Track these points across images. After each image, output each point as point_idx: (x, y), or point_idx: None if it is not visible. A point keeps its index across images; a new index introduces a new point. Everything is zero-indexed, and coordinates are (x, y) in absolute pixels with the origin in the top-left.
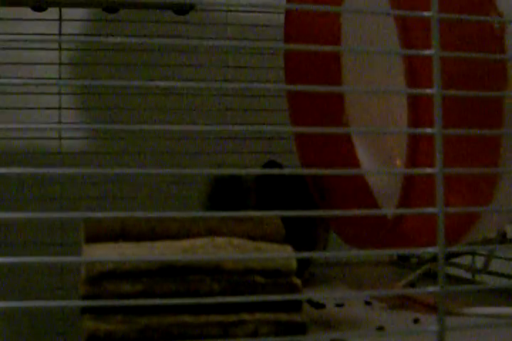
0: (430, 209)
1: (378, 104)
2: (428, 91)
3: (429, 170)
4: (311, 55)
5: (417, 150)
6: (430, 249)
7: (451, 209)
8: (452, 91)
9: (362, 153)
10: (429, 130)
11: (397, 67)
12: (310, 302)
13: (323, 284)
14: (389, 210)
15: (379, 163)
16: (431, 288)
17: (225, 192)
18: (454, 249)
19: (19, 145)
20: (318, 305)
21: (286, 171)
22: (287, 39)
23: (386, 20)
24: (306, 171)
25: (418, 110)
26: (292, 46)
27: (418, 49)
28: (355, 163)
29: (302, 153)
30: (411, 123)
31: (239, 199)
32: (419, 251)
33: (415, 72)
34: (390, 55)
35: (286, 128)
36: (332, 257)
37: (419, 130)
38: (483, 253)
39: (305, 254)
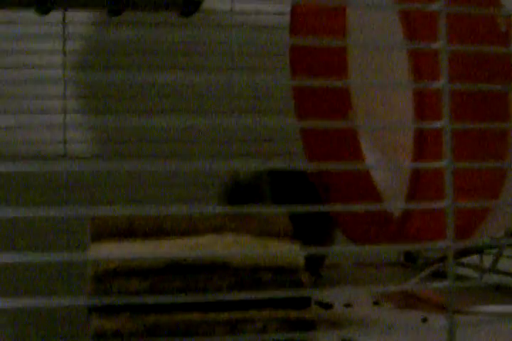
0: (440, 204)
1: (384, 104)
2: (436, 84)
3: (438, 164)
4: (317, 51)
5: (424, 147)
6: (440, 243)
7: (460, 204)
8: (460, 85)
9: (368, 154)
10: (437, 124)
11: (403, 64)
12: (318, 302)
13: (330, 285)
14: (398, 205)
15: (386, 163)
16: (440, 284)
17: (241, 196)
18: (464, 243)
19: (24, 150)
20: (327, 306)
21: (297, 165)
22: (293, 36)
23: (392, 16)
24: (318, 166)
25: (424, 106)
26: (298, 40)
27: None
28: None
29: (308, 153)
30: (417, 118)
31: (255, 201)
32: (429, 245)
33: (421, 68)
34: (397, 50)
35: (293, 123)
36: (339, 258)
37: (428, 124)
38: (491, 252)
39: (312, 250)
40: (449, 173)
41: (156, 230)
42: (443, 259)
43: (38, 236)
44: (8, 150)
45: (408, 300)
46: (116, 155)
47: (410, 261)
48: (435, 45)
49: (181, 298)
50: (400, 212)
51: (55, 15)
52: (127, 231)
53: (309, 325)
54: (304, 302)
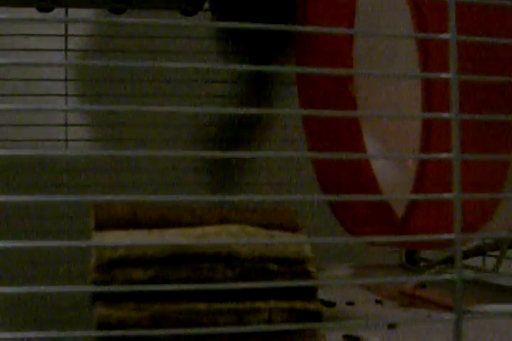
0: (447, 195)
1: (388, 95)
2: (444, 75)
3: (445, 156)
4: (322, 41)
5: (431, 141)
6: (446, 236)
7: (468, 195)
8: (469, 76)
9: (370, 146)
10: (445, 115)
11: (411, 57)
12: (320, 300)
13: (332, 285)
14: (405, 196)
15: (390, 163)
16: (448, 276)
17: None
18: (471, 236)
19: (25, 146)
20: (329, 304)
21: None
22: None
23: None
24: (314, 154)
25: (432, 98)
26: (303, 28)
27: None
28: (366, 164)
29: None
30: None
31: None
32: (436, 237)
33: (430, 59)
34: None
35: (294, 110)
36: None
37: (436, 114)
38: (494, 254)
39: (318, 240)
40: (456, 165)
41: (160, 220)
42: (446, 261)
43: (39, 223)
44: (9, 146)
45: (411, 300)
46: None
47: (412, 264)
48: (444, 36)
49: (186, 287)
50: (404, 211)
51: (58, 13)
52: (131, 220)
53: (315, 316)
54: (310, 293)
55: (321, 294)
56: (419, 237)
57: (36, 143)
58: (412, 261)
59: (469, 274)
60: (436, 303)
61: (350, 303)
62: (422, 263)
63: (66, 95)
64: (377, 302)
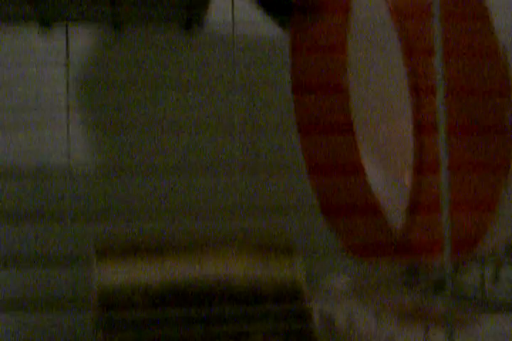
0: (436, 219)
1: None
2: (432, 101)
3: (434, 179)
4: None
5: (424, 161)
6: (437, 258)
7: (456, 219)
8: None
9: (370, 170)
10: (433, 138)
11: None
12: (319, 313)
13: (330, 298)
14: (396, 220)
15: (387, 178)
16: (439, 297)
17: None
18: (461, 259)
19: (26, 161)
20: (327, 318)
21: None
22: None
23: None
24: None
25: (423, 120)
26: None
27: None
28: (362, 179)
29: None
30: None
31: None
32: (426, 260)
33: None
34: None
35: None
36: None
37: (426, 125)
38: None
39: (308, 265)
40: (445, 188)
41: (160, 245)
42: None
43: (43, 226)
44: (13, 162)
45: (409, 313)
46: (119, 170)
47: (412, 274)
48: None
49: (184, 313)
50: (401, 224)
51: (59, 30)
52: (131, 248)
53: (310, 337)
54: (305, 315)
55: (320, 306)
56: (411, 259)
57: (38, 146)
58: (412, 271)
59: (459, 303)
60: (435, 317)
61: (348, 316)
62: (422, 274)
63: (68, 105)
64: (376, 315)
